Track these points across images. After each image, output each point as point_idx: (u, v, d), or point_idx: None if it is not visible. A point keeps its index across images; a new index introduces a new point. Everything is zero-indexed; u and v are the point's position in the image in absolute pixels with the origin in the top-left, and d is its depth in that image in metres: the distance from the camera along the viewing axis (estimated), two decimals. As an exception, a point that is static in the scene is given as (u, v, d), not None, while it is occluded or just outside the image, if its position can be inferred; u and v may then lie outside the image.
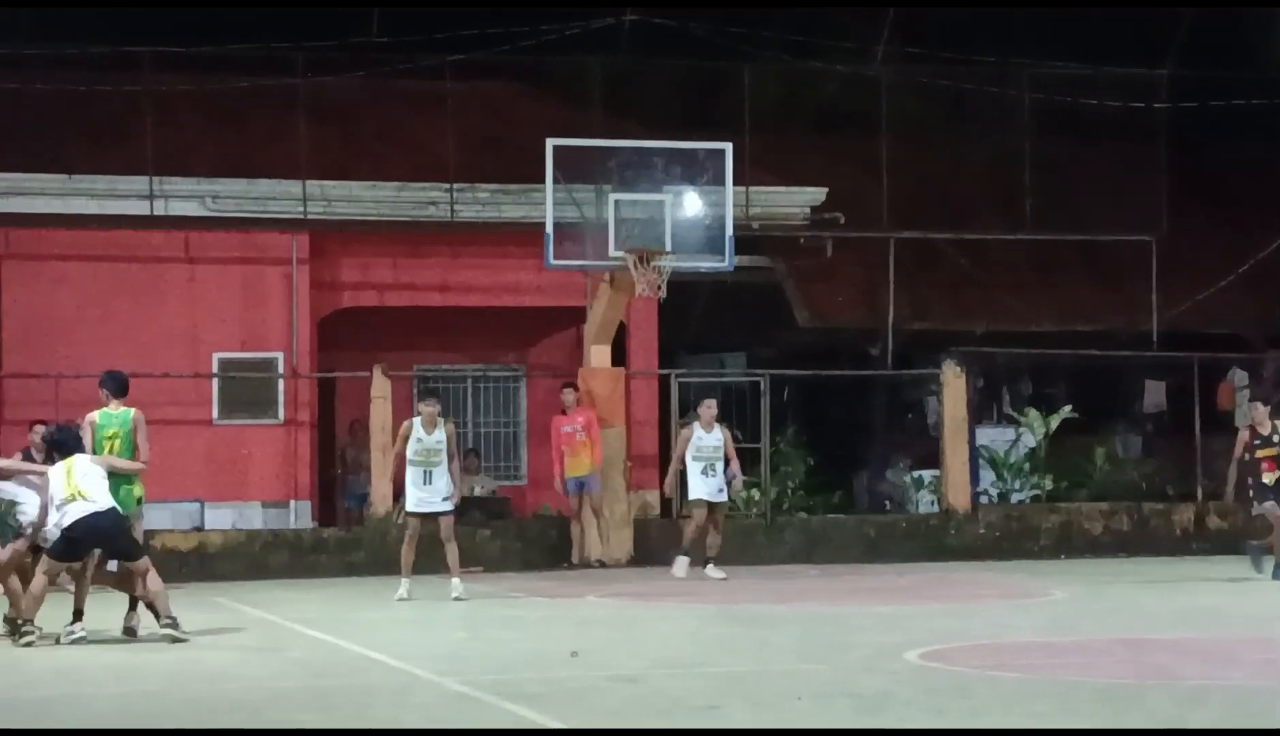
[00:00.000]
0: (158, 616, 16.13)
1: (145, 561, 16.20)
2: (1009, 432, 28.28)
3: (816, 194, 28.64)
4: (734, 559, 24.21)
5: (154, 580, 16.13)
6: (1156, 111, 29.99)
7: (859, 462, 29.60)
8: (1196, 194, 30.88)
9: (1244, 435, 22.11)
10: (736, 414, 27.54)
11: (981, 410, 28.75)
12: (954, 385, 26.69)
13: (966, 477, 26.73)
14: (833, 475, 27.99)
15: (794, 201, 28.65)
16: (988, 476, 27.91)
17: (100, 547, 16.16)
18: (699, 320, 29.01)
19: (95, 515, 15.81)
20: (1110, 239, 30.07)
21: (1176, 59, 29.81)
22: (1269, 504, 21.77)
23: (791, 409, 28.75)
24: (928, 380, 28.03)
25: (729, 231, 24.87)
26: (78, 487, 15.90)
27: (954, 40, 29.41)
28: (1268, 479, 21.76)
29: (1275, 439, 21.84)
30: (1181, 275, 29.52)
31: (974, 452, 27.33)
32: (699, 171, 24.80)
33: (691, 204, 24.90)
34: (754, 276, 28.37)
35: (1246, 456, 21.86)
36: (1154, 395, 30.75)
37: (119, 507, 16.20)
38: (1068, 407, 27.64)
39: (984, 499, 27.60)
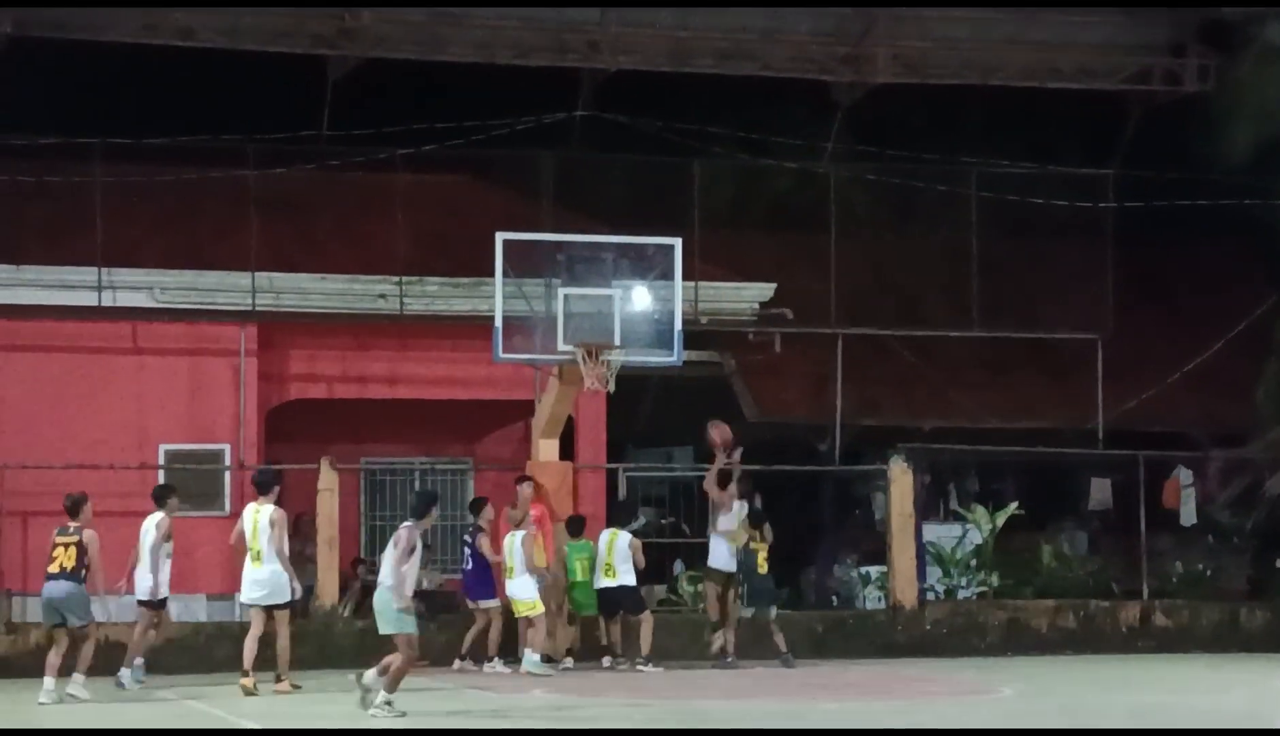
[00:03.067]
0: None
1: None
2: (956, 529, 28.31)
3: (765, 289, 28.78)
4: (683, 654, 24.22)
5: None
6: (1103, 211, 30.24)
7: (807, 558, 29.58)
8: (1142, 293, 31.08)
9: None
10: (685, 508, 27.53)
11: (929, 506, 28.78)
12: (901, 481, 26.73)
13: (913, 573, 26.74)
14: (781, 571, 27.93)
15: (743, 297, 28.79)
16: (934, 572, 27.92)
17: None
18: (647, 414, 29.04)
19: None
20: (1057, 337, 30.25)
21: (1123, 159, 30.10)
22: None
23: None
24: (875, 476, 28.07)
25: (678, 326, 24.91)
26: None
27: (903, 138, 29.65)
28: None
29: None
30: (1128, 373, 29.70)
31: (921, 549, 27.35)
32: (648, 266, 24.87)
33: (640, 298, 24.95)
34: (702, 371, 28.44)
35: None
36: (1100, 493, 30.83)
37: None
38: (1014, 505, 27.71)
39: (931, 595, 27.60)
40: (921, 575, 27.31)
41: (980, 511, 27.95)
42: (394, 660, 17.92)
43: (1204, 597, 28.20)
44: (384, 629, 18.15)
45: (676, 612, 26.36)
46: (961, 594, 27.73)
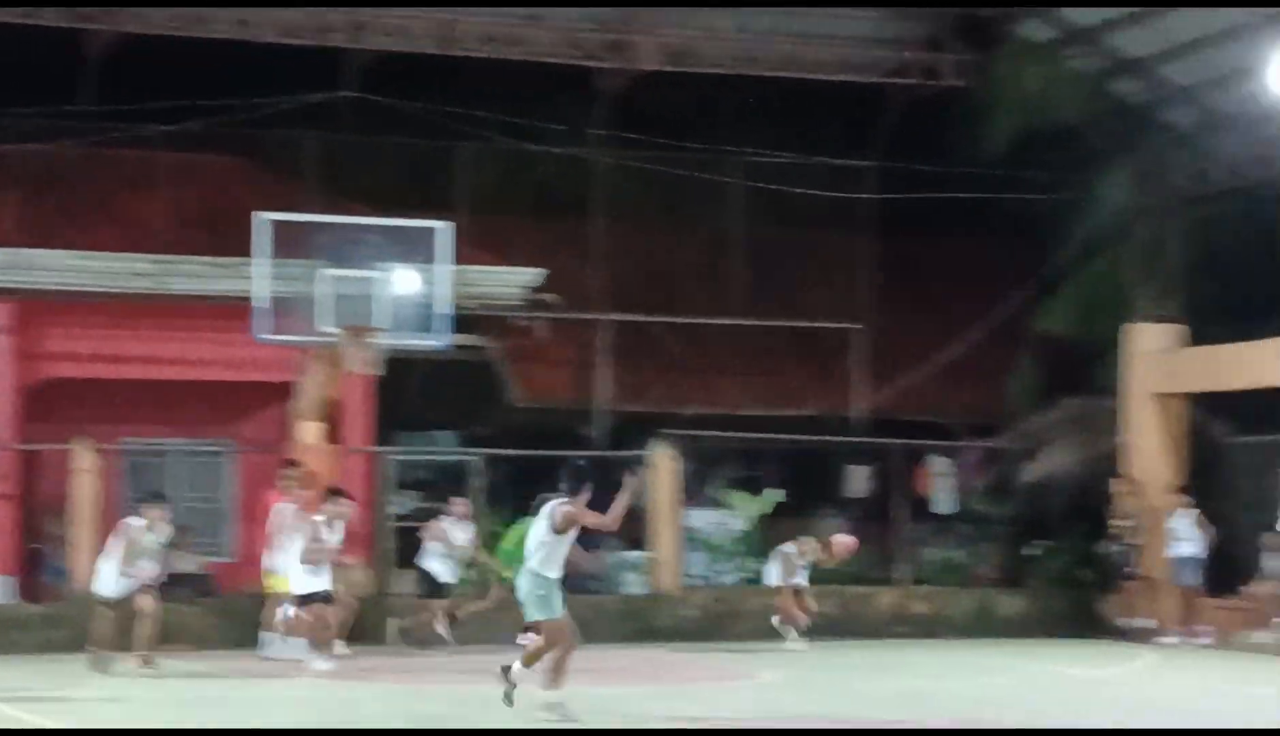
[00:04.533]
0: None
1: None
2: (718, 515, 28.55)
3: (532, 274, 28.79)
4: (456, 638, 24.21)
5: None
6: (864, 202, 30.70)
7: (586, 544, 29.58)
8: (902, 283, 31.57)
9: None
10: (449, 493, 27.44)
11: (691, 492, 28.99)
12: (664, 467, 26.91)
13: (676, 559, 26.94)
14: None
15: (510, 282, 28.76)
16: (697, 558, 28.15)
17: None
18: (414, 398, 28.90)
19: None
20: (818, 326, 30.63)
21: (883, 151, 30.53)
22: None
23: (503, 488, 28.72)
24: (638, 461, 28.20)
25: (445, 310, 24.84)
26: None
27: (668, 127, 29.79)
28: None
29: None
30: (886, 363, 30.19)
31: (684, 535, 27.56)
32: (415, 250, 24.76)
33: (407, 282, 24.86)
34: (469, 355, 28.37)
35: None
36: (857, 480, 31.29)
37: None
38: (778, 491, 28.00)
39: (692, 581, 27.82)
40: (683, 561, 27.51)
41: (743, 498, 28.22)
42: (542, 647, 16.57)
43: (960, 584, 28.77)
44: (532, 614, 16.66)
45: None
46: (724, 580, 27.97)
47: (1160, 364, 28.31)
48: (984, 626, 27.46)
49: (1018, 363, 30.50)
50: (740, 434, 29.13)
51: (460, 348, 27.10)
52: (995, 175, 29.59)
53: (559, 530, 16.45)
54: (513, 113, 29.32)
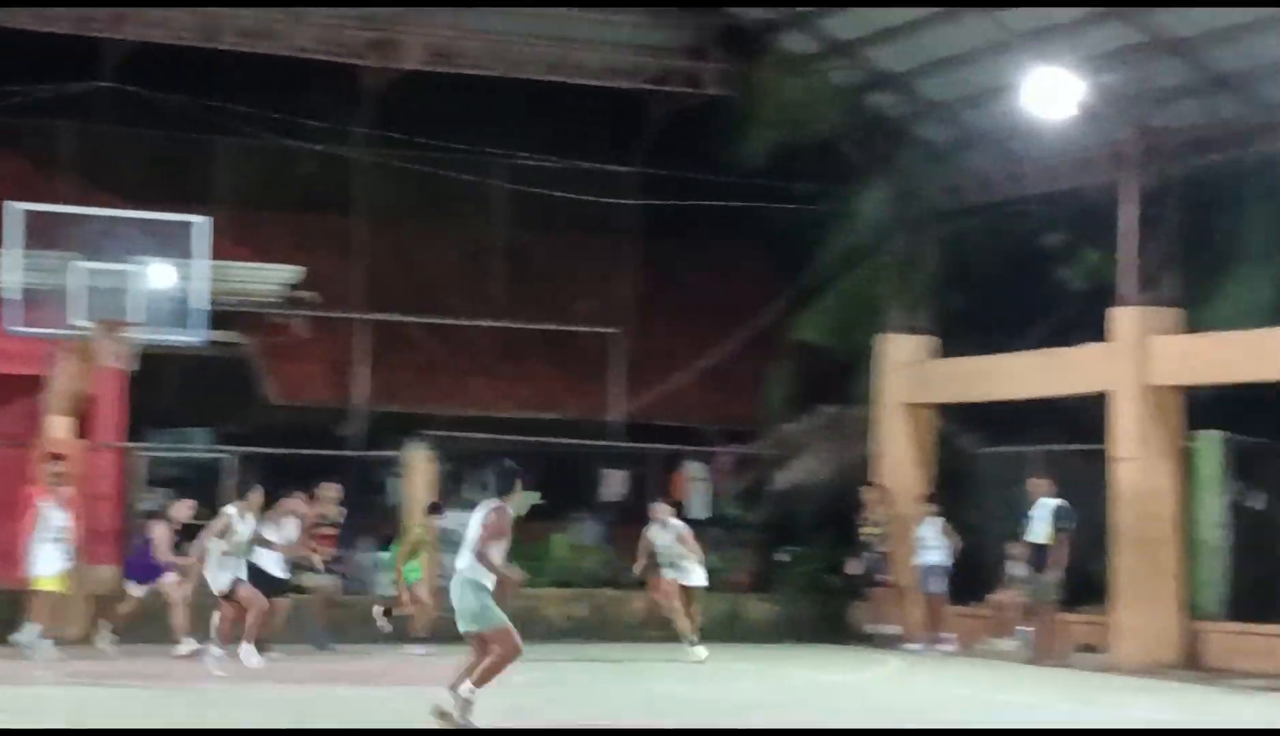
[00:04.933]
0: None
1: None
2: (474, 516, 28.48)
3: (291, 272, 28.59)
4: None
5: None
6: (626, 208, 30.89)
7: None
8: (663, 290, 31.81)
9: None
10: (203, 491, 27.15)
11: (447, 494, 28.94)
12: (420, 468, 26.86)
13: (431, 561, 26.86)
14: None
15: (268, 279, 28.54)
16: (452, 560, 28.03)
17: None
18: (167, 394, 28.56)
19: None
20: (577, 330, 30.76)
21: (646, 158, 30.74)
22: None
23: (259, 486, 28.45)
24: (394, 462, 28.13)
25: (201, 306, 24.59)
26: None
27: (432, 127, 29.74)
28: None
29: None
30: (646, 368, 30.40)
31: (438, 536, 27.49)
32: (172, 244, 24.52)
33: (163, 276, 24.59)
34: (225, 352, 28.09)
35: None
36: (614, 484, 31.46)
37: None
38: (538, 494, 28.01)
39: (445, 582, 27.75)
40: (439, 562, 27.43)
41: (498, 500, 28.18)
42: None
43: (711, 589, 28.98)
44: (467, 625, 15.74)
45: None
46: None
47: (911, 374, 28.82)
48: (735, 631, 27.76)
49: (774, 371, 30.87)
50: (497, 436, 29.15)
51: (216, 344, 26.84)
52: (755, 185, 29.93)
53: (493, 533, 15.73)
54: (275, 109, 29.10)
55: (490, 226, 30.52)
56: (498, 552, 15.75)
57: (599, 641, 26.46)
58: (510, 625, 15.68)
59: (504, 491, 16.09)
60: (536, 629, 26.56)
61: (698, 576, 24.93)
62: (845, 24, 27.51)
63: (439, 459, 27.64)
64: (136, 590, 24.02)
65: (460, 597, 15.63)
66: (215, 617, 22.61)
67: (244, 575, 22.70)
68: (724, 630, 27.90)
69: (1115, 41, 24.80)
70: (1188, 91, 25.14)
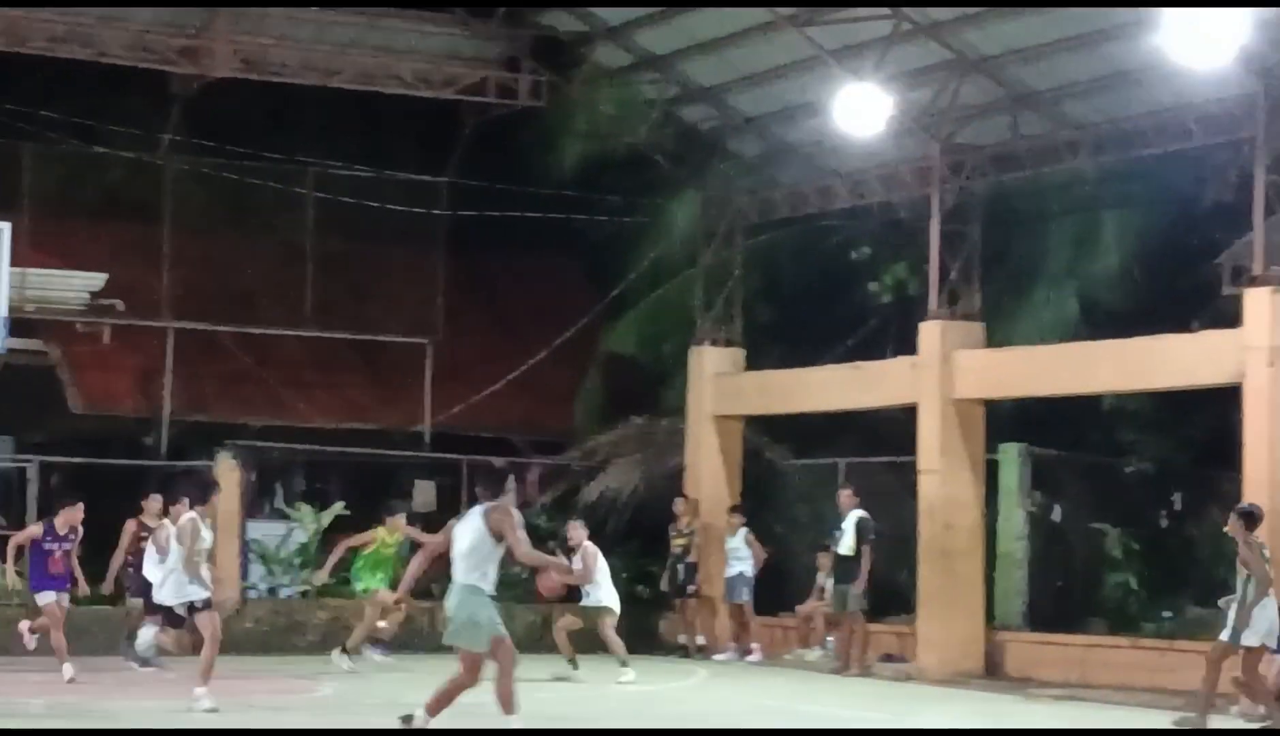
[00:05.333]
0: None
1: None
2: (280, 527, 28.34)
3: (96, 279, 28.27)
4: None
5: None
6: (437, 218, 30.82)
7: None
8: (472, 300, 31.79)
9: None
10: (1, 500, 26.79)
11: (254, 504, 28.76)
12: (228, 478, 26.64)
13: (236, 571, 26.72)
14: (100, 566, 27.40)
15: (72, 286, 28.20)
16: (258, 570, 27.92)
17: None
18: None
19: None
20: (388, 339, 30.67)
21: (458, 168, 30.69)
22: None
23: (59, 496, 28.06)
24: (202, 472, 27.86)
25: (3, 313, 24.23)
26: None
27: (242, 134, 29.53)
28: None
29: None
30: (456, 378, 30.34)
31: (245, 546, 27.34)
32: (-27, 250, 24.11)
33: (-38, 283, 24.19)
34: (27, 359, 27.72)
35: None
36: (424, 494, 31.34)
37: None
38: (340, 504, 27.94)
39: (253, 593, 27.59)
40: (245, 573, 27.29)
41: (305, 510, 28.10)
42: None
43: (519, 600, 28.99)
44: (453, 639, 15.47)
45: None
46: (284, 592, 27.80)
47: (721, 386, 29.01)
48: (545, 642, 27.72)
49: (585, 381, 30.95)
50: (306, 446, 29.02)
51: (19, 352, 26.47)
52: (568, 196, 30.04)
53: (495, 535, 15.17)
54: (82, 114, 28.76)
55: (301, 235, 30.31)
56: (525, 544, 15.45)
57: (407, 652, 26.33)
58: (503, 632, 15.53)
59: (496, 494, 15.47)
60: (341, 638, 26.46)
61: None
62: (658, 38, 27.64)
63: (247, 468, 27.42)
64: None
65: (456, 607, 15.30)
66: (150, 633, 22.47)
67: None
68: (534, 640, 27.89)
69: (923, 59, 25.13)
70: (993, 109, 25.53)
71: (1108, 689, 23.22)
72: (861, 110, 24.75)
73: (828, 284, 29.21)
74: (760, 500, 28.83)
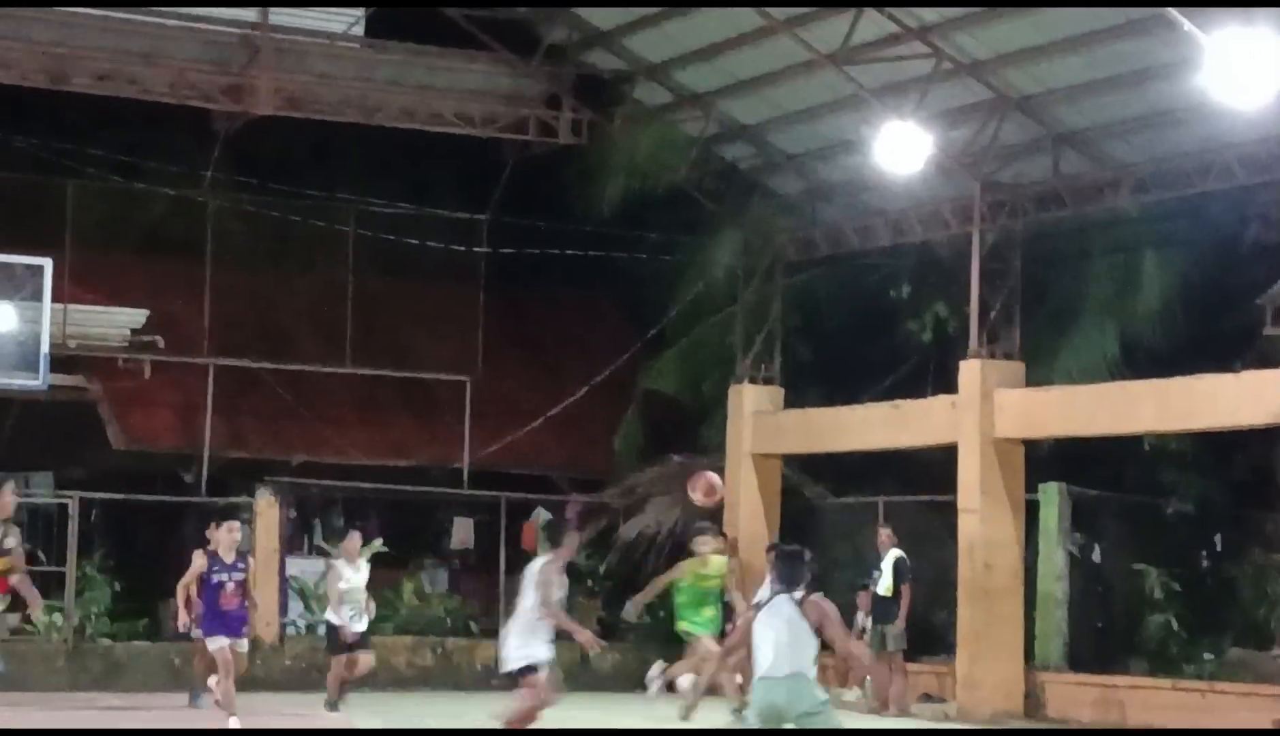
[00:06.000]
0: None
1: None
2: (319, 564, 28.35)
3: (137, 316, 28.36)
4: (34, 685, 23.60)
5: None
6: (477, 256, 30.88)
7: (168, 589, 29.14)
8: (512, 338, 31.81)
9: None
10: (43, 536, 26.86)
11: (293, 541, 28.80)
12: (267, 515, 26.70)
13: (276, 608, 26.73)
14: (140, 601, 27.55)
15: (114, 322, 28.30)
16: (296, 607, 27.95)
17: None
18: (7, 438, 28.22)
19: None
20: (428, 377, 30.70)
21: (498, 206, 30.76)
22: None
23: (99, 532, 28.19)
24: (242, 508, 27.92)
25: (45, 349, 24.33)
26: None
27: (283, 172, 29.65)
28: None
29: None
30: (495, 416, 30.34)
31: (284, 583, 27.36)
32: (17, 286, 24.24)
33: (6, 319, 24.29)
34: (68, 395, 27.81)
35: None
36: (461, 532, 31.38)
37: None
38: (379, 541, 27.97)
39: (292, 629, 27.61)
40: (284, 609, 27.30)
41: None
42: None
43: (558, 638, 28.94)
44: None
45: (32, 642, 25.70)
46: (323, 630, 27.78)
47: (760, 425, 28.97)
48: (583, 679, 27.70)
49: (624, 419, 30.93)
50: (345, 483, 29.04)
51: (61, 388, 26.56)
52: (608, 233, 30.07)
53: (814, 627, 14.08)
54: (125, 151, 28.90)
55: (341, 272, 30.38)
56: (843, 638, 14.59)
57: (445, 690, 26.33)
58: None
59: (795, 580, 14.47)
60: (383, 676, 26.48)
61: None
62: (698, 76, 27.69)
63: (286, 505, 27.46)
64: None
65: (793, 700, 13.98)
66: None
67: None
68: (571, 679, 27.84)
69: (963, 98, 25.12)
70: (1034, 148, 25.50)
71: (1149, 730, 23.10)
72: (902, 149, 24.74)
73: (867, 322, 29.16)
74: (799, 539, 28.60)
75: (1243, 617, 25.30)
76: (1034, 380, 25.81)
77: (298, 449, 29.51)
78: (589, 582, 30.03)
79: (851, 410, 27.80)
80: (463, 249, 30.68)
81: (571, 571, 30.18)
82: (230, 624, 20.23)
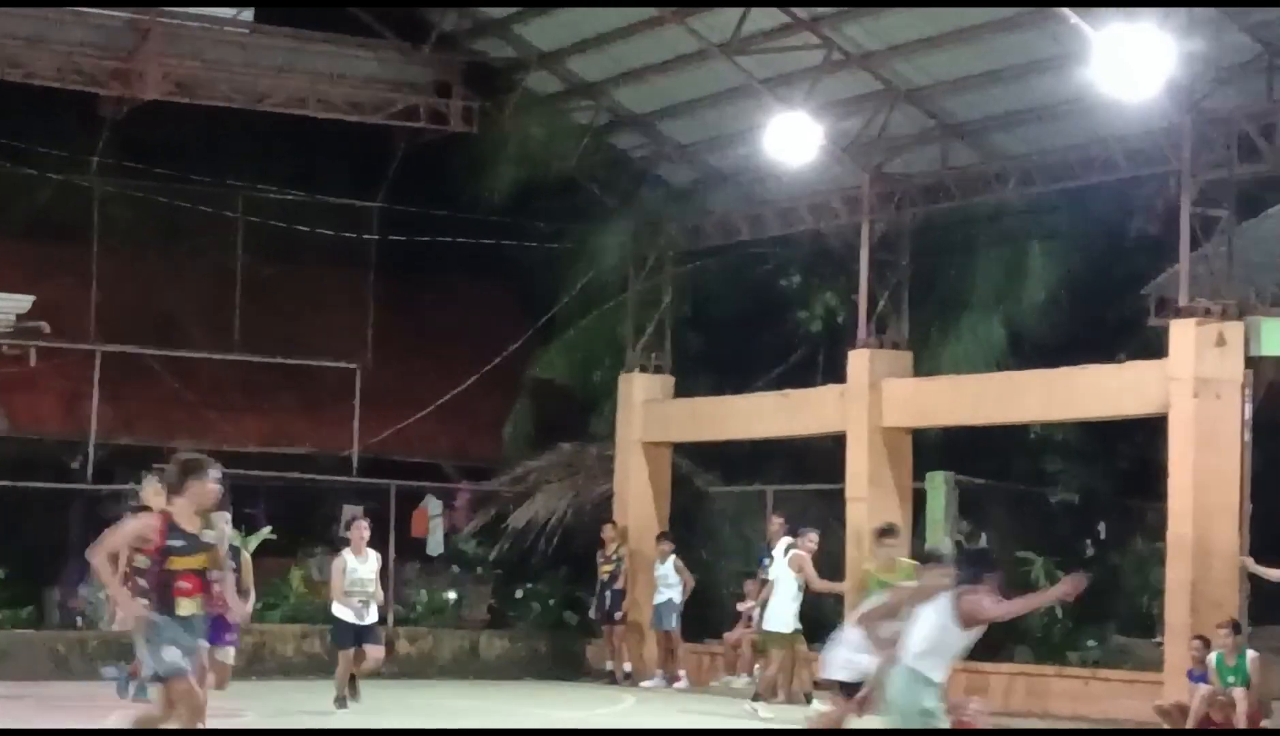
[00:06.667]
0: None
1: None
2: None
3: (22, 301, 28.08)
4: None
5: None
6: (367, 243, 30.79)
7: (52, 577, 28.94)
8: (402, 325, 31.71)
9: None
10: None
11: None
12: (155, 503, 26.37)
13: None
14: (23, 589, 27.32)
15: (-2, 307, 28.03)
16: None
17: None
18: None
19: None
20: (317, 364, 30.57)
21: (389, 193, 30.67)
22: None
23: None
24: (127, 495, 27.71)
25: (-75, 334, 24.08)
26: None
27: (171, 157, 29.43)
28: None
29: None
30: (384, 403, 30.26)
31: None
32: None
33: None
34: (-50, 381, 27.54)
35: None
36: (351, 518, 31.22)
37: None
38: (267, 529, 27.84)
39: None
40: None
41: (233, 535, 27.90)
42: None
43: (446, 625, 29.00)
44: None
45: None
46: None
47: (650, 413, 29.05)
48: (469, 668, 27.75)
49: (514, 408, 30.92)
50: (232, 470, 28.81)
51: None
52: (499, 222, 30.03)
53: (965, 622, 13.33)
54: (10, 135, 28.60)
55: (230, 259, 30.21)
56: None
57: (329, 677, 26.19)
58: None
59: (976, 576, 13.59)
60: (269, 664, 26.41)
61: None
62: (590, 65, 27.72)
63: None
64: None
65: (901, 693, 13.48)
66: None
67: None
68: (461, 667, 27.91)
69: (853, 89, 25.27)
70: (922, 139, 25.69)
71: (1033, 716, 23.33)
72: (792, 139, 24.89)
73: (758, 312, 29.29)
74: (688, 527, 28.87)
75: (1126, 605, 25.58)
76: (922, 370, 26.02)
77: (185, 435, 29.27)
78: (478, 570, 30.06)
79: (741, 399, 27.92)
80: (353, 236, 30.59)
81: (460, 558, 30.39)
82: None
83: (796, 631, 23.92)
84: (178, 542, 13.15)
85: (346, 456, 30.13)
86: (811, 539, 23.62)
